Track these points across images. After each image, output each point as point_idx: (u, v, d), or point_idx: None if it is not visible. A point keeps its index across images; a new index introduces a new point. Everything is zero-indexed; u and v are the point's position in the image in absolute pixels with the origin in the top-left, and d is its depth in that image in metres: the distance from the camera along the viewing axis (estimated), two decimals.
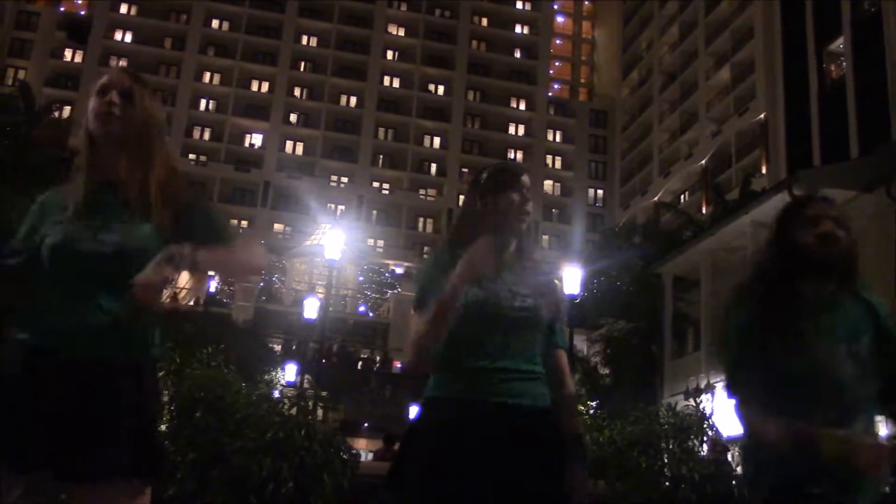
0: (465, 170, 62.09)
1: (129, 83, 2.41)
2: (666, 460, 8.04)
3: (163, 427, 7.29)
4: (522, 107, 65.14)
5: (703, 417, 8.84)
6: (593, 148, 66.45)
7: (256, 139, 60.47)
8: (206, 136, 59.54)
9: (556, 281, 2.82)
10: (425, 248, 58.24)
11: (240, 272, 2.70)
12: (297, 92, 61.64)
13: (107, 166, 2.38)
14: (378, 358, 36.34)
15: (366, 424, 30.17)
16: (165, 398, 7.57)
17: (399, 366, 36.20)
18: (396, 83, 63.48)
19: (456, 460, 2.38)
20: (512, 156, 63.63)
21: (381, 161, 61.77)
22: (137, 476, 2.19)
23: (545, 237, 61.76)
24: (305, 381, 24.39)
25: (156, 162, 2.40)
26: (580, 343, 28.07)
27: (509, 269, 2.62)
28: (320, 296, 27.64)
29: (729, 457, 8.71)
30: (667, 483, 7.83)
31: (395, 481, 2.54)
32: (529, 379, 2.55)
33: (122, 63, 59.33)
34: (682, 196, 52.85)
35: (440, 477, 2.39)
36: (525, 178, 2.71)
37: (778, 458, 2.37)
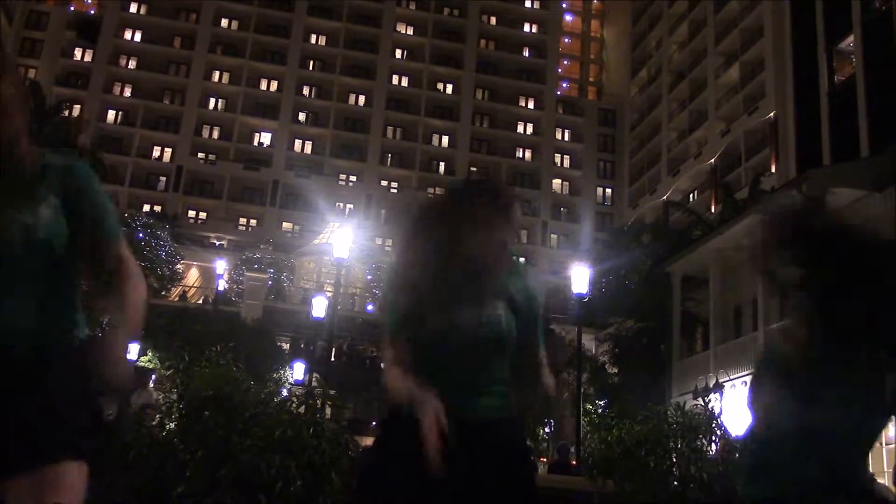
0: (474, 168, 62.10)
1: None
2: (674, 460, 8.03)
3: (172, 425, 7.33)
4: (531, 105, 65.07)
5: (711, 417, 8.82)
6: (602, 147, 66.35)
7: (265, 138, 60.58)
8: (216, 134, 59.68)
9: (528, 282, 2.68)
10: None
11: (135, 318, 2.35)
12: (305, 91, 61.72)
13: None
14: None
15: (374, 423, 30.19)
16: (174, 396, 7.60)
17: None
18: (405, 82, 63.50)
19: (421, 478, 2.36)
20: (520, 155, 63.64)
21: (389, 160, 61.82)
22: (71, 456, 2.08)
23: (553, 236, 61.73)
24: (314, 379, 24.44)
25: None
26: (588, 342, 28.05)
27: (474, 287, 2.55)
28: (329, 294, 27.68)
29: (738, 456, 8.69)
30: (675, 483, 7.82)
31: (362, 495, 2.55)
32: (492, 394, 2.55)
33: (132, 62, 59.60)
34: (691, 195, 52.75)
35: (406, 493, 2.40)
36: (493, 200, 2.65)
37: (793, 459, 2.32)
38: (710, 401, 17.64)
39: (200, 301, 38.95)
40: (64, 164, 2.26)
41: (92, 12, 60.83)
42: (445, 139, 62.97)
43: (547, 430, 25.27)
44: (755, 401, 2.50)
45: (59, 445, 2.09)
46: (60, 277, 2.24)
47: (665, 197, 52.40)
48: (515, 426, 2.63)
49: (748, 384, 2.67)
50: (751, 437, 2.52)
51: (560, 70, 68.12)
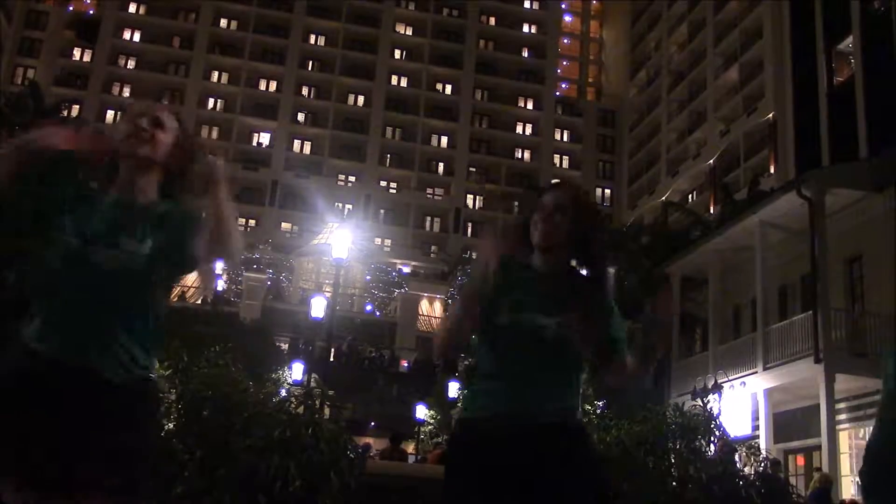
0: (473, 169, 62.11)
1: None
2: (673, 460, 8.03)
3: (170, 425, 7.32)
4: (530, 106, 65.07)
5: (710, 418, 8.83)
6: (601, 147, 66.37)
7: (264, 138, 60.56)
8: (215, 134, 59.62)
9: (605, 293, 2.73)
10: (433, 248, 58.26)
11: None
12: (304, 91, 61.71)
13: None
14: (385, 357, 36.36)
15: (373, 423, 30.19)
16: (173, 396, 7.59)
17: (406, 365, 36.26)
18: (404, 82, 63.49)
19: (493, 482, 2.45)
20: (519, 155, 63.63)
21: (388, 160, 61.80)
22: (121, 495, 2.18)
23: None
24: (312, 379, 24.42)
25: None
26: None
27: (546, 288, 2.63)
28: (327, 294, 27.68)
29: (736, 457, 8.69)
30: (674, 483, 7.82)
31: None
32: (562, 397, 2.59)
33: (131, 62, 59.54)
34: (690, 196, 52.74)
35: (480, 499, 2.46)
36: (547, 198, 2.73)
37: None
38: (708, 401, 17.64)
39: (199, 301, 38.92)
40: (169, 206, 2.52)
41: (91, 12, 60.77)
42: (444, 139, 62.96)
43: None
44: None
45: (132, 485, 2.20)
46: (149, 314, 2.38)
47: (664, 197, 52.37)
48: (581, 433, 2.65)
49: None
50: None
51: (559, 71, 68.12)
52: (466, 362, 25.85)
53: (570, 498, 2.46)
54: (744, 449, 9.06)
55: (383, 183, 61.19)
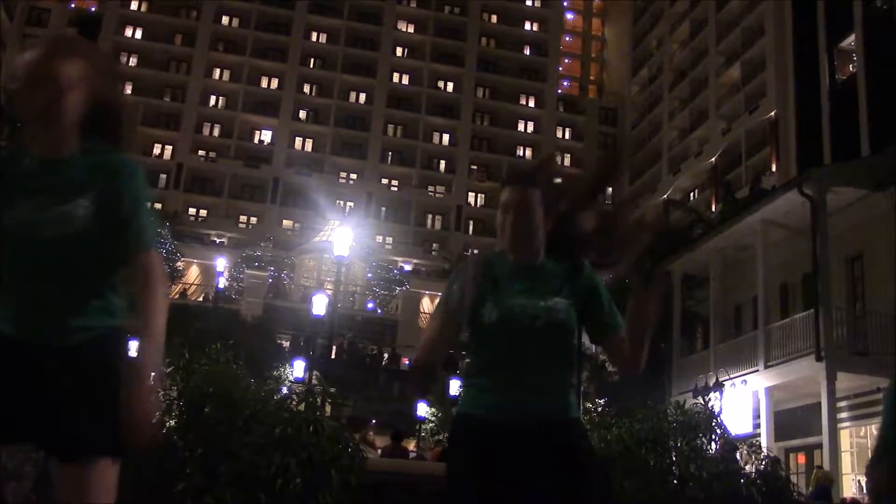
0: (475, 167, 62.10)
1: None
2: (674, 458, 8.03)
3: (172, 422, 7.32)
4: (532, 104, 65.05)
5: (711, 416, 8.82)
6: (602, 145, 66.29)
7: (266, 135, 60.56)
8: (216, 132, 59.65)
9: (584, 268, 2.72)
10: (434, 245, 58.27)
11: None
12: (306, 88, 61.69)
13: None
14: (386, 354, 36.38)
15: (374, 421, 30.23)
16: (174, 393, 7.60)
17: (407, 362, 36.27)
18: (406, 80, 63.47)
19: (487, 481, 2.44)
20: (521, 153, 63.59)
21: (390, 158, 61.80)
22: (108, 454, 2.18)
23: None
24: (314, 377, 24.47)
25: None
26: (588, 340, 28.05)
27: (528, 279, 2.61)
28: (329, 292, 27.69)
29: (737, 455, 8.69)
30: (675, 481, 7.81)
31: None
32: (557, 391, 2.58)
33: (133, 60, 59.54)
34: (692, 194, 52.73)
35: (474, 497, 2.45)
36: (507, 191, 2.68)
37: None
38: (709, 399, 17.65)
39: (201, 298, 38.97)
40: (112, 157, 2.29)
41: (93, 9, 60.77)
42: (446, 137, 62.95)
43: None
44: None
45: (90, 443, 2.16)
46: (94, 267, 2.26)
47: (666, 196, 52.37)
48: (577, 428, 2.62)
49: None
50: None
51: (561, 68, 68.07)
52: (467, 360, 25.87)
53: (573, 494, 2.45)
54: (745, 447, 9.06)
55: (384, 180, 61.20)
